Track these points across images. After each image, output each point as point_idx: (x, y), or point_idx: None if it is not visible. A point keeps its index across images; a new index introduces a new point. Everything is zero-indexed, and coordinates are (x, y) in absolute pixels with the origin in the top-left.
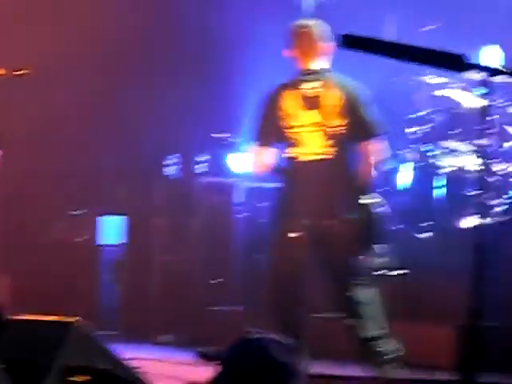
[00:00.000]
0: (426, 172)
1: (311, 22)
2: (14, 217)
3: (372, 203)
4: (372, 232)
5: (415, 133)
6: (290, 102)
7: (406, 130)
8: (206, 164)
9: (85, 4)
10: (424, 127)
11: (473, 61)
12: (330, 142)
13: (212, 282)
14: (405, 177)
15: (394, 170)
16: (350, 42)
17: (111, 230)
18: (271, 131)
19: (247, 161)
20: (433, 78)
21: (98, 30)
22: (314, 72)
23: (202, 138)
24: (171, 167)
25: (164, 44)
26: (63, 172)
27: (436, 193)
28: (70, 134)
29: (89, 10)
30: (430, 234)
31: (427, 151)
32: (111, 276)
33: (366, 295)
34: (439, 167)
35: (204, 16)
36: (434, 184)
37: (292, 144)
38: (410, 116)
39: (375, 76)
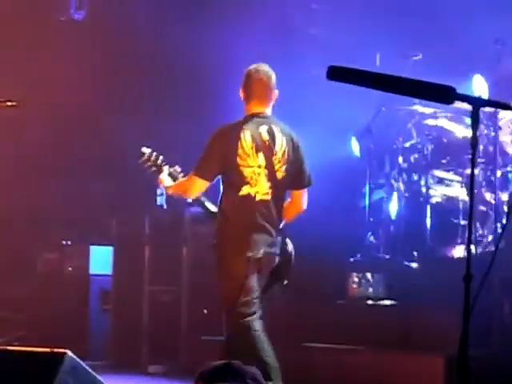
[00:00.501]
0: (416, 201)
1: (269, 69)
2: (4, 246)
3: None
4: (289, 267)
5: (406, 162)
6: (245, 144)
7: (398, 159)
8: None
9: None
10: (415, 156)
11: (461, 92)
12: (272, 183)
13: (205, 311)
14: (395, 206)
15: (385, 199)
16: (336, 73)
17: (101, 259)
18: (217, 167)
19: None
20: (422, 107)
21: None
22: (265, 117)
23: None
24: (161, 197)
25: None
26: (53, 202)
27: (426, 222)
28: (59, 164)
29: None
30: (420, 263)
31: (418, 180)
32: (101, 305)
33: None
34: (430, 196)
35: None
36: (425, 213)
37: (245, 183)
38: (401, 145)
39: (366, 104)
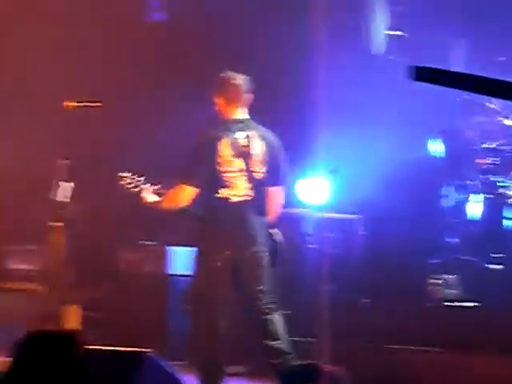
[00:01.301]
0: (496, 202)
1: (238, 74)
2: (85, 247)
3: (276, 235)
4: (276, 258)
5: (486, 163)
6: (225, 149)
7: (477, 161)
8: None
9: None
10: (495, 158)
11: None
12: (252, 185)
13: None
14: (475, 207)
15: (465, 200)
16: (422, 74)
17: (181, 260)
18: (203, 173)
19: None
20: (503, 107)
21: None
22: (241, 121)
23: None
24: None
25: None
26: (134, 201)
27: (507, 223)
28: (140, 163)
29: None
30: (500, 264)
31: (498, 181)
32: (181, 306)
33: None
34: (510, 197)
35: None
36: (505, 214)
37: (223, 186)
38: (481, 145)
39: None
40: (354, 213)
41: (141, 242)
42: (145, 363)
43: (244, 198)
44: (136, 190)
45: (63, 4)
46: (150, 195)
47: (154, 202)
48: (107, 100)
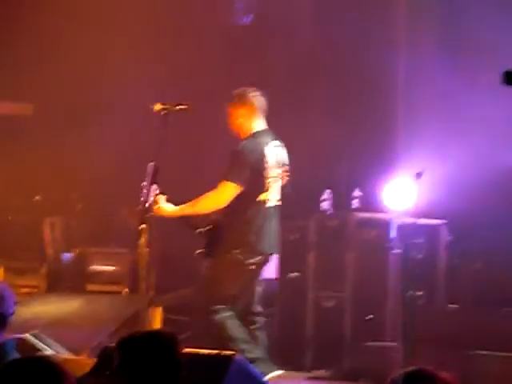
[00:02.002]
0: None
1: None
2: (167, 251)
3: None
4: None
5: None
6: (271, 156)
7: None
8: (360, 199)
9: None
10: None
11: None
12: (281, 192)
13: (366, 318)
14: None
15: None
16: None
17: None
18: (248, 177)
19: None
20: None
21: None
22: (269, 131)
23: (357, 173)
24: (326, 202)
25: (318, 81)
26: None
27: None
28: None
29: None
30: None
31: None
32: (266, 309)
33: None
34: None
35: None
36: None
37: (263, 191)
38: None
39: None
40: (439, 218)
41: None
42: (233, 366)
43: (277, 204)
44: (150, 200)
45: (150, 9)
46: (166, 205)
47: (182, 208)
48: (195, 102)
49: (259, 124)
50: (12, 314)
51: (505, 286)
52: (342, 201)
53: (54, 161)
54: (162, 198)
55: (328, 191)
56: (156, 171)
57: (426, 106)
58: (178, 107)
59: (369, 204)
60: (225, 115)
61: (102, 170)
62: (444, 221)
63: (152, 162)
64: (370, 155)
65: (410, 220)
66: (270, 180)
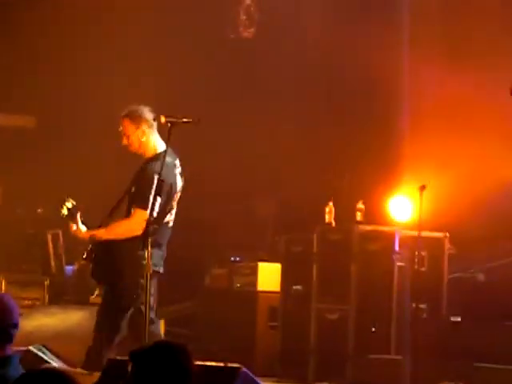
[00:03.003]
0: None
1: None
2: (169, 264)
3: None
4: None
5: None
6: (178, 180)
7: None
8: (363, 211)
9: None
10: None
11: None
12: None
13: (373, 330)
14: None
15: None
16: None
17: (269, 276)
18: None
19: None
20: None
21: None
22: (171, 150)
23: (360, 185)
24: (329, 214)
25: (322, 92)
26: (222, 218)
27: None
28: (229, 180)
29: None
30: None
31: None
32: (269, 322)
33: None
34: None
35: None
36: None
37: (170, 212)
38: None
39: None
40: (442, 230)
41: (230, 259)
42: (239, 378)
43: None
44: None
45: (153, 21)
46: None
47: (98, 232)
48: (201, 116)
49: (160, 142)
50: (17, 325)
51: (507, 299)
52: (345, 213)
53: (56, 173)
54: (79, 219)
55: (331, 204)
56: (160, 184)
57: (430, 118)
58: (183, 120)
59: (372, 216)
60: (229, 128)
61: (104, 182)
62: (447, 233)
63: (156, 174)
64: (374, 167)
65: (413, 232)
66: (175, 202)
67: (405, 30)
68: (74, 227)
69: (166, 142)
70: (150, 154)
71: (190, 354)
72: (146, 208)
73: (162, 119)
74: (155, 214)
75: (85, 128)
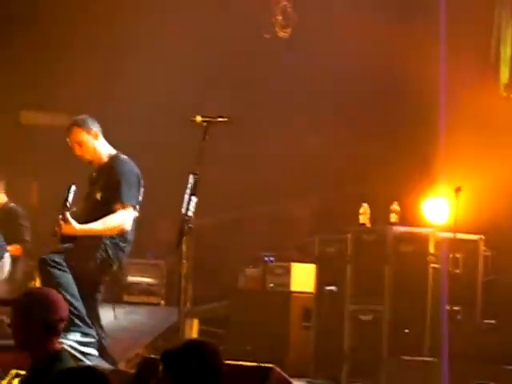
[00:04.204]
0: None
1: None
2: (203, 263)
3: None
4: None
5: None
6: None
7: None
8: (398, 213)
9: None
10: None
11: None
12: None
13: (406, 331)
14: None
15: None
16: None
17: (303, 277)
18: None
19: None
20: None
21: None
22: None
23: (395, 187)
24: (364, 216)
25: (357, 96)
26: (257, 219)
27: None
28: (265, 180)
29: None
30: None
31: None
32: (302, 322)
33: None
34: None
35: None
36: None
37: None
38: None
39: None
40: (477, 232)
41: (264, 259)
42: (271, 378)
43: None
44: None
45: (192, 20)
46: (72, 221)
47: (92, 228)
48: (235, 115)
49: (108, 146)
50: (64, 320)
51: None
52: (379, 215)
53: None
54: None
55: (365, 205)
56: (196, 183)
57: (466, 120)
58: (218, 119)
59: (407, 218)
60: (268, 127)
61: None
62: (482, 236)
63: (192, 173)
64: (409, 169)
65: (448, 234)
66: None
67: (441, 40)
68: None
69: (202, 142)
70: (105, 157)
71: (220, 353)
72: (131, 204)
73: (198, 118)
74: (190, 213)
75: (125, 130)
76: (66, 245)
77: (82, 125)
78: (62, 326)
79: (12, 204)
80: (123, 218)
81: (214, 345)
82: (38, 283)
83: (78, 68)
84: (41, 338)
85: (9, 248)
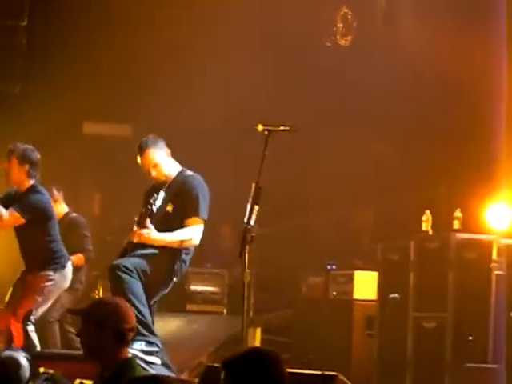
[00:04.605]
0: None
1: None
2: (266, 271)
3: None
4: None
5: None
6: None
7: None
8: (460, 220)
9: None
10: None
11: None
12: None
13: (470, 338)
14: None
15: None
16: None
17: (366, 284)
18: None
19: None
20: None
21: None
22: None
23: (458, 193)
24: (427, 223)
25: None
26: (320, 226)
27: None
28: (327, 188)
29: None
30: None
31: None
32: (365, 330)
33: None
34: None
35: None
36: None
37: None
38: None
39: None
40: None
41: (327, 267)
42: None
43: None
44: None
45: (253, 29)
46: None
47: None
48: (299, 124)
49: (175, 162)
50: (134, 329)
51: None
52: (442, 221)
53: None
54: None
55: (428, 212)
56: (258, 192)
57: None
58: (280, 128)
59: (470, 225)
60: (327, 139)
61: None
62: None
63: (255, 182)
64: (471, 175)
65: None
66: None
67: (503, 41)
68: (145, 230)
69: (264, 151)
70: (174, 173)
71: (282, 361)
72: (204, 220)
73: (260, 127)
74: (253, 223)
75: (178, 137)
76: (137, 253)
77: (155, 146)
78: (132, 335)
79: (74, 214)
80: (196, 233)
81: (276, 353)
82: (100, 293)
83: (142, 81)
84: (111, 347)
85: (71, 258)
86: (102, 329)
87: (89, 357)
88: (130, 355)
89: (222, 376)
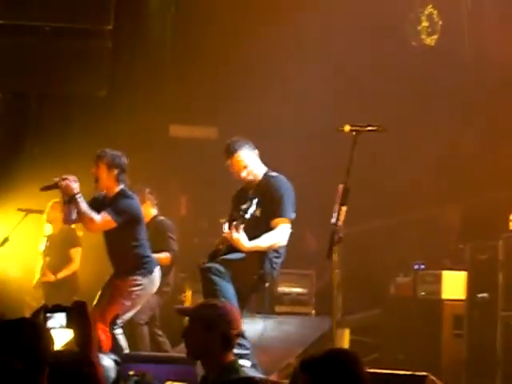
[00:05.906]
0: None
1: None
2: (354, 272)
3: None
4: None
5: None
6: None
7: None
8: None
9: None
10: None
11: None
12: None
13: None
14: None
15: None
16: None
17: (454, 284)
18: None
19: None
20: None
21: None
22: None
23: None
24: None
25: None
26: (407, 225)
27: None
28: (415, 188)
29: None
30: None
31: None
32: (454, 330)
33: None
34: None
35: None
36: None
37: None
38: None
39: None
40: None
41: (414, 267)
42: None
43: None
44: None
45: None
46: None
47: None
48: (385, 124)
49: (261, 163)
50: (240, 335)
51: None
52: None
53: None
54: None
55: None
56: (346, 193)
57: None
58: (367, 129)
59: None
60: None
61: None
62: None
63: (342, 183)
64: None
65: None
66: None
67: None
68: (236, 235)
69: (352, 152)
70: (260, 174)
71: (362, 362)
72: (290, 220)
73: (347, 128)
74: (340, 223)
75: (264, 139)
76: (228, 256)
77: (245, 148)
78: (237, 340)
79: (161, 217)
80: (283, 233)
81: (355, 354)
82: (188, 295)
83: (228, 84)
84: (217, 350)
85: (158, 256)
86: (210, 331)
87: (192, 357)
88: (233, 358)
89: (302, 377)
